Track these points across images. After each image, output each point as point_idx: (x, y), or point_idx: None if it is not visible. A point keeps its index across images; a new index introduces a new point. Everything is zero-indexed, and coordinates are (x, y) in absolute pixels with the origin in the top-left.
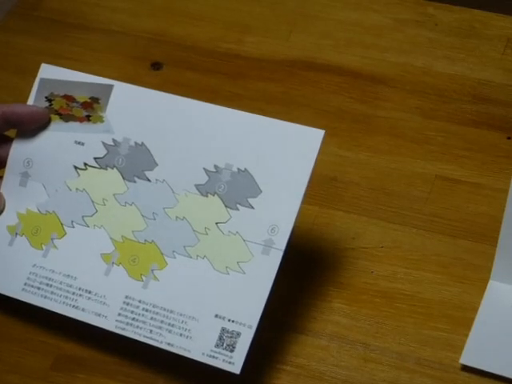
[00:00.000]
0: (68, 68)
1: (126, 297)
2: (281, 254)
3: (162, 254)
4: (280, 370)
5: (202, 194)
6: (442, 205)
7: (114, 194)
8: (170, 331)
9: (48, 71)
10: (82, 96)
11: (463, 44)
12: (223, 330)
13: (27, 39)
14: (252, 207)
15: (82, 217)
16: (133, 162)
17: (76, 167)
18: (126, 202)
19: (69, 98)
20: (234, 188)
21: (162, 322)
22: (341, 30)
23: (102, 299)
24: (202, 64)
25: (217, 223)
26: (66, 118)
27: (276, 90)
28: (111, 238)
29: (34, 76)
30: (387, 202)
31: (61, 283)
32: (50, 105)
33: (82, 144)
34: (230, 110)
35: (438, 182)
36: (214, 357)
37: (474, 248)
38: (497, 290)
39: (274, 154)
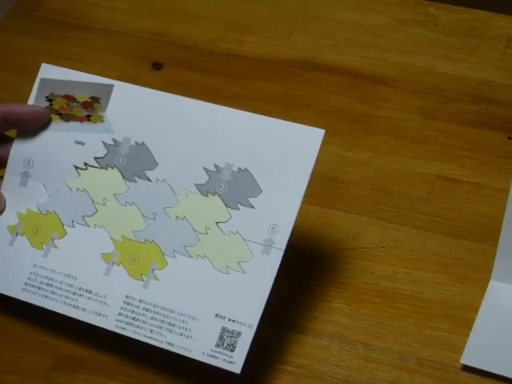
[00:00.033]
0: (68, 68)
1: (127, 296)
2: (281, 253)
3: (162, 253)
4: (280, 370)
5: (203, 194)
6: (442, 205)
7: (114, 194)
8: (170, 331)
9: (48, 71)
10: (82, 96)
11: (464, 44)
12: (224, 329)
13: (27, 39)
14: (252, 207)
15: (83, 216)
16: (133, 162)
17: (76, 167)
18: (126, 202)
19: (69, 98)
20: (234, 187)
21: (162, 321)
22: (341, 30)
23: (103, 299)
24: (202, 64)
25: (217, 223)
26: (67, 117)
27: (276, 90)
28: (111, 238)
29: (35, 76)
30: (388, 202)
31: (61, 283)
32: (51, 105)
33: (83, 144)
34: (230, 109)
35: (439, 182)
36: (214, 356)
37: (475, 248)
38: (497, 290)
39: (274, 153)
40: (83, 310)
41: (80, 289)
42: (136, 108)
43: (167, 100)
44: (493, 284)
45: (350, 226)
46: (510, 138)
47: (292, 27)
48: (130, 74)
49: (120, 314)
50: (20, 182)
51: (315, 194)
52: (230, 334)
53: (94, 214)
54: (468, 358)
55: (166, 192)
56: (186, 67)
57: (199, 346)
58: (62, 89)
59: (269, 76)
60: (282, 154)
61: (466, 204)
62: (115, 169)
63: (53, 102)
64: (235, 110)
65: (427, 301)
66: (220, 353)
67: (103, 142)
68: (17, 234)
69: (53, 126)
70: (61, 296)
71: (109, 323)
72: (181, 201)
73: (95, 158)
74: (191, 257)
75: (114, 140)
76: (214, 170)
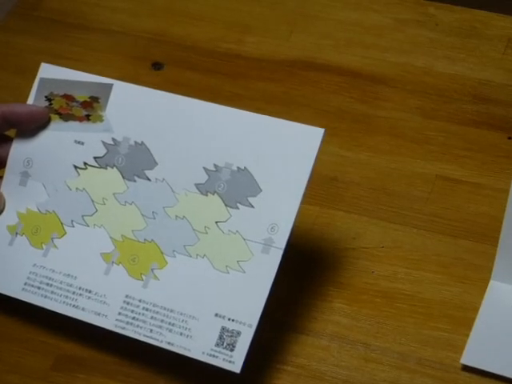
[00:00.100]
0: (68, 68)
1: (126, 296)
2: (281, 252)
3: (162, 253)
4: (280, 370)
5: (202, 193)
6: (442, 205)
7: (113, 194)
8: (170, 330)
9: (48, 71)
10: (81, 95)
11: (464, 44)
12: (223, 329)
13: (27, 39)
14: (252, 206)
15: (82, 216)
16: (133, 161)
17: (76, 167)
18: (125, 202)
19: (68, 98)
20: (233, 187)
21: (162, 321)
22: (341, 30)
23: (102, 298)
24: (202, 64)
25: (217, 222)
26: (66, 117)
27: (276, 89)
28: (111, 238)
29: (34, 76)
30: (388, 202)
31: (61, 283)
32: (50, 104)
33: (82, 143)
34: (229, 108)
35: (439, 182)
36: (214, 356)
37: (475, 248)
38: (498, 290)
39: (273, 152)
40: (83, 309)
41: (80, 288)
42: (135, 107)
43: (166, 99)
44: (493, 284)
45: (350, 225)
46: (510, 138)
47: (292, 27)
48: (130, 74)
49: (120, 313)
50: (19, 182)
51: (315, 194)
52: (229, 334)
53: (93, 213)
54: (468, 357)
55: (165, 191)
56: (186, 67)
57: (199, 346)
58: (61, 88)
59: (269, 76)
60: (281, 154)
61: (465, 204)
62: (115, 168)
63: (52, 102)
64: (234, 110)
65: (427, 301)
66: (220, 352)
67: (103, 142)
68: (16, 233)
69: (52, 125)
70: (60, 296)
71: (108, 323)
72: (180, 200)
73: (95, 158)
74: (191, 256)
75: (114, 139)
76: (214, 169)
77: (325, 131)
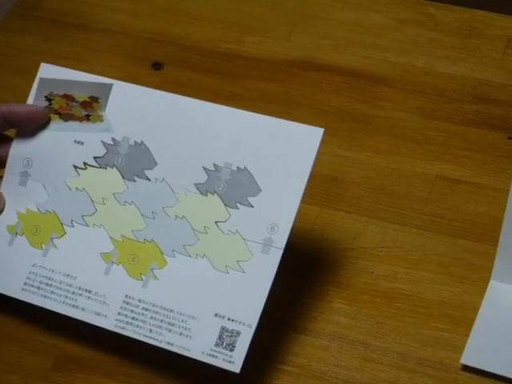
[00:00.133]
0: (68, 68)
1: (126, 296)
2: (280, 252)
3: (161, 253)
4: (280, 370)
5: (202, 193)
6: (442, 205)
7: (113, 194)
8: (169, 330)
9: (48, 71)
10: (81, 95)
11: (464, 44)
12: (223, 329)
13: (27, 39)
14: (251, 206)
15: (82, 216)
16: (132, 161)
17: (76, 166)
18: (125, 201)
19: (68, 98)
20: (233, 187)
21: (161, 321)
22: (341, 30)
23: (102, 298)
24: (202, 64)
25: (216, 222)
26: (66, 117)
27: (276, 90)
28: (111, 238)
29: (34, 76)
30: (388, 202)
31: (60, 283)
32: (50, 104)
33: (82, 143)
34: (228, 108)
35: (439, 182)
36: (213, 356)
37: (475, 248)
38: (497, 290)
39: (273, 152)
40: (82, 309)
41: (79, 288)
42: (135, 107)
43: (166, 99)
44: (493, 284)
45: (350, 226)
46: (510, 138)
47: (292, 27)
48: (130, 74)
49: (119, 313)
50: (19, 182)
51: (315, 194)
52: (229, 334)
53: (93, 213)
54: (468, 358)
55: (165, 191)
56: (186, 67)
57: (198, 346)
58: (61, 88)
59: (269, 76)
60: (281, 153)
61: (465, 204)
62: (114, 168)
63: (52, 102)
64: (234, 109)
65: (427, 301)
66: (219, 352)
67: (102, 142)
68: (16, 233)
69: (52, 125)
70: (60, 296)
71: (108, 323)
72: (180, 200)
73: (94, 158)
74: (190, 256)
75: (114, 139)
76: (213, 169)
77: (324, 131)
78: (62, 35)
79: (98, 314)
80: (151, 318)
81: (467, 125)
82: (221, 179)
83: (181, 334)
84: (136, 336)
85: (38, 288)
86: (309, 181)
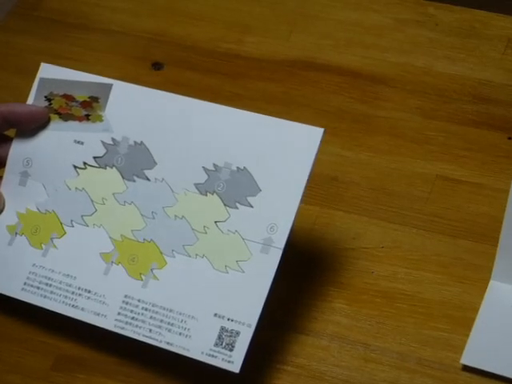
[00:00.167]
0: (68, 68)
1: (126, 296)
2: (280, 252)
3: (161, 253)
4: (280, 370)
5: (202, 193)
6: (442, 205)
7: (113, 194)
8: (169, 330)
9: (47, 71)
10: (81, 95)
11: (464, 44)
12: (222, 328)
13: (27, 39)
14: (251, 206)
15: (82, 216)
16: (132, 161)
17: (75, 166)
18: (125, 201)
19: (68, 98)
20: (233, 187)
21: (161, 321)
22: (341, 30)
23: (102, 298)
24: (202, 64)
25: (216, 222)
26: (66, 117)
27: (276, 90)
28: (110, 238)
29: (34, 76)
30: (388, 202)
31: (60, 283)
32: (50, 104)
33: (82, 143)
34: (228, 108)
35: (439, 182)
36: (213, 356)
37: (475, 248)
38: (497, 290)
39: (273, 152)
40: (82, 309)
41: (79, 288)
42: (135, 107)
43: (165, 99)
44: (493, 284)
45: (350, 226)
46: (510, 138)
47: (292, 27)
48: (130, 74)
49: (119, 313)
50: (19, 182)
51: (315, 194)
52: (228, 334)
53: (93, 213)
54: (468, 358)
55: (164, 191)
56: (186, 67)
57: (198, 346)
58: (61, 88)
59: (269, 76)
60: (280, 153)
61: (465, 204)
62: (114, 168)
63: (52, 102)
64: (233, 109)
65: (427, 301)
66: (219, 352)
67: (102, 142)
68: (16, 233)
69: (52, 125)
70: (60, 296)
71: (108, 323)
72: (180, 200)
73: (94, 158)
74: (190, 256)
75: (113, 139)
76: (213, 169)
77: (324, 131)
78: (62, 35)
79: (98, 314)
80: (151, 317)
81: (467, 125)
82: (220, 179)
83: (180, 333)
84: (135, 336)
85: (38, 288)
86: (308, 181)
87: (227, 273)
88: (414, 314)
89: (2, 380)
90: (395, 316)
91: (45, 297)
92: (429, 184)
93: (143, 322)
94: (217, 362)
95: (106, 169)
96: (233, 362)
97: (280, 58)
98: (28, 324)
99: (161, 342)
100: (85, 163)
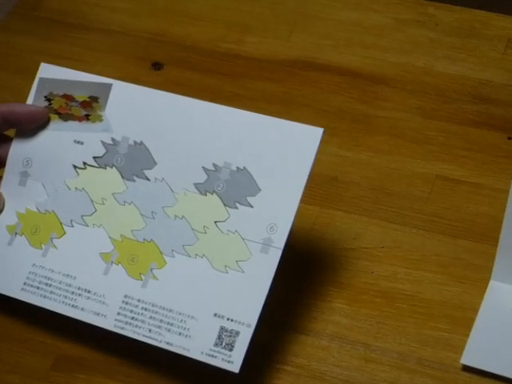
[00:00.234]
0: (68, 68)
1: (125, 296)
2: (280, 252)
3: (161, 253)
4: (280, 370)
5: (201, 193)
6: (442, 205)
7: (113, 193)
8: (169, 330)
9: (47, 71)
10: (81, 95)
11: (464, 44)
12: (222, 328)
13: (27, 39)
14: (251, 206)
15: (82, 216)
16: (132, 161)
17: (75, 166)
18: (125, 201)
19: (68, 98)
20: (232, 187)
21: (161, 321)
22: (341, 30)
23: (101, 298)
24: (202, 64)
25: (216, 222)
26: (65, 117)
27: (276, 90)
28: (110, 238)
29: (34, 76)
30: (388, 202)
31: (60, 283)
32: (50, 104)
33: (81, 143)
34: (228, 108)
35: (439, 182)
36: (213, 356)
37: (475, 248)
38: (497, 290)
39: (272, 152)
40: (82, 309)
41: (79, 288)
42: (134, 107)
43: (165, 99)
44: (493, 284)
45: (350, 226)
46: (509, 138)
47: (292, 27)
48: (130, 74)
49: (119, 313)
50: (19, 182)
51: (315, 194)
52: (228, 334)
53: (92, 213)
54: (468, 357)
55: (164, 191)
56: (186, 67)
57: (198, 346)
58: (60, 88)
59: (269, 76)
60: (280, 153)
61: (465, 204)
62: (114, 168)
63: (52, 102)
64: (233, 109)
65: (427, 301)
66: (219, 352)
67: (102, 142)
68: (16, 233)
69: (52, 125)
70: (60, 296)
71: (108, 323)
72: (179, 200)
73: (94, 158)
74: (190, 256)
75: (113, 139)
76: (213, 169)
77: (324, 131)
78: (61, 35)
79: (98, 314)
80: (150, 317)
81: (467, 125)
82: (220, 179)
83: (180, 333)
84: (135, 336)
85: (38, 288)
86: (308, 181)
87: (227, 273)
88: (414, 314)
89: (1, 380)
90: (395, 316)
91: (45, 297)
92: (429, 184)
93: (143, 321)
94: (216, 362)
95: (105, 169)
96: (232, 361)
97: (280, 57)
98: (28, 324)
99: (160, 341)
100: (85, 163)
